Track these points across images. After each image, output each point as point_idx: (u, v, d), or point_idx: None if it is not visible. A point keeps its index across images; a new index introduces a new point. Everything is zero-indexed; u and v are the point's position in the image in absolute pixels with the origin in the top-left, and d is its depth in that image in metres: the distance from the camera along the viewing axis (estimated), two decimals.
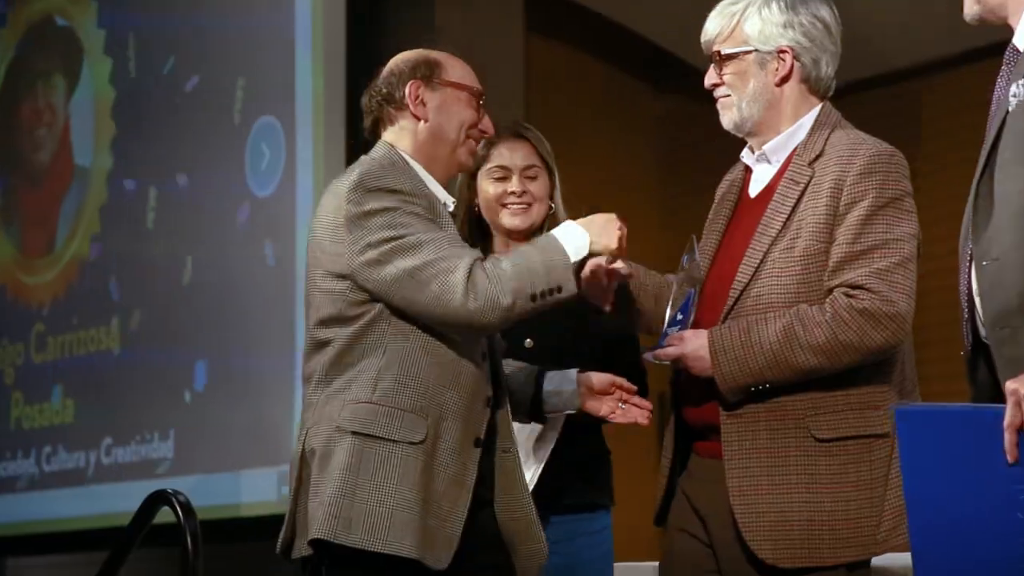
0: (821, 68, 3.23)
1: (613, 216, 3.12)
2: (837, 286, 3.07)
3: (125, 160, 8.06)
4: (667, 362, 3.18)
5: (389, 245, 3.06)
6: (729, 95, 3.22)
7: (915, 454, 2.50)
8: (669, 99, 8.15)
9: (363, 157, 3.22)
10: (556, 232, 3.11)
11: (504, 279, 3.01)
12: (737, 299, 3.14)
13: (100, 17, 8.37)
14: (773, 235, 3.14)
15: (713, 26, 3.22)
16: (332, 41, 7.12)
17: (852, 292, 3.04)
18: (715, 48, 3.21)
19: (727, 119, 3.25)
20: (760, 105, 3.21)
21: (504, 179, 3.87)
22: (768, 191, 3.21)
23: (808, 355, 3.03)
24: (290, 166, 7.13)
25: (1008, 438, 2.37)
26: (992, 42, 6.41)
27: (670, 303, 3.23)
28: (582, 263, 3.16)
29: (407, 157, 3.23)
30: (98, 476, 7.87)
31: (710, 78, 3.25)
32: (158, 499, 5.48)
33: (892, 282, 3.03)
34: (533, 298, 3.03)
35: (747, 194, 3.28)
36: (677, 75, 7.58)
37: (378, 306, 3.08)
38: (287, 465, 6.86)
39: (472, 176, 3.89)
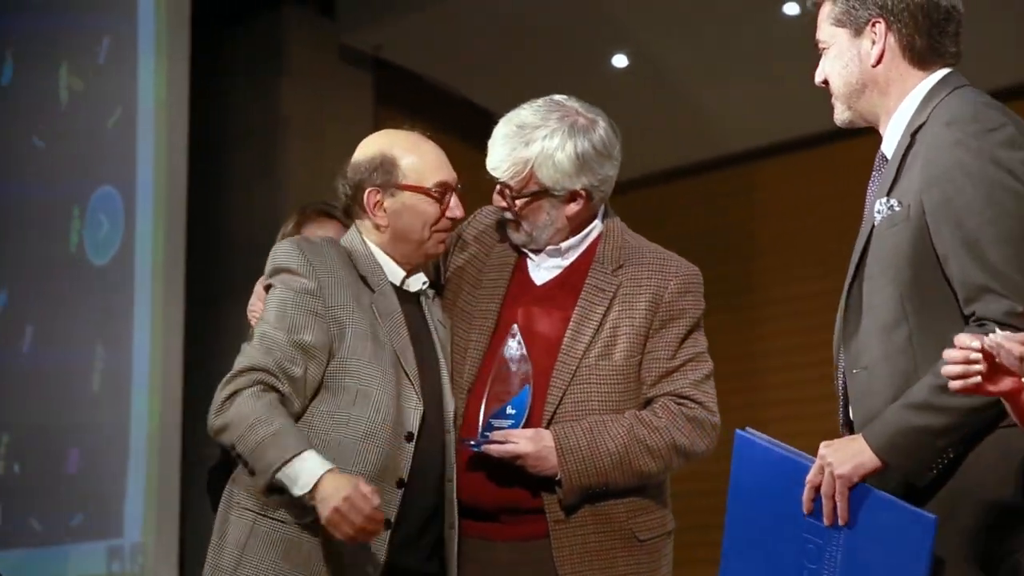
0: (607, 188, 3.34)
1: (365, 507, 2.93)
2: (663, 395, 3.26)
3: None
4: (493, 455, 3.16)
5: (260, 319, 3.19)
6: (517, 221, 3.32)
7: (742, 478, 2.78)
8: None
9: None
10: (307, 453, 2.96)
11: (233, 409, 3.02)
12: (558, 404, 3.25)
13: None
14: (586, 342, 3.25)
15: (501, 163, 3.27)
16: (176, 116, 7.04)
17: (680, 401, 3.26)
18: (501, 180, 3.28)
19: (517, 239, 3.35)
20: (550, 232, 3.33)
21: None
22: (561, 287, 3.32)
23: (647, 459, 3.20)
24: (128, 237, 7.03)
25: (806, 492, 2.67)
26: (823, 130, 6.60)
27: (490, 392, 3.23)
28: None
29: (370, 244, 3.26)
30: None
31: (496, 201, 3.34)
32: None
33: (708, 393, 3.28)
34: (232, 448, 3.04)
35: (528, 279, 3.37)
36: None
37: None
38: (117, 539, 6.82)
39: None
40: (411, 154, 3.23)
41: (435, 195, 3.22)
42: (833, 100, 2.94)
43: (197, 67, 7.26)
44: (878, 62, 2.85)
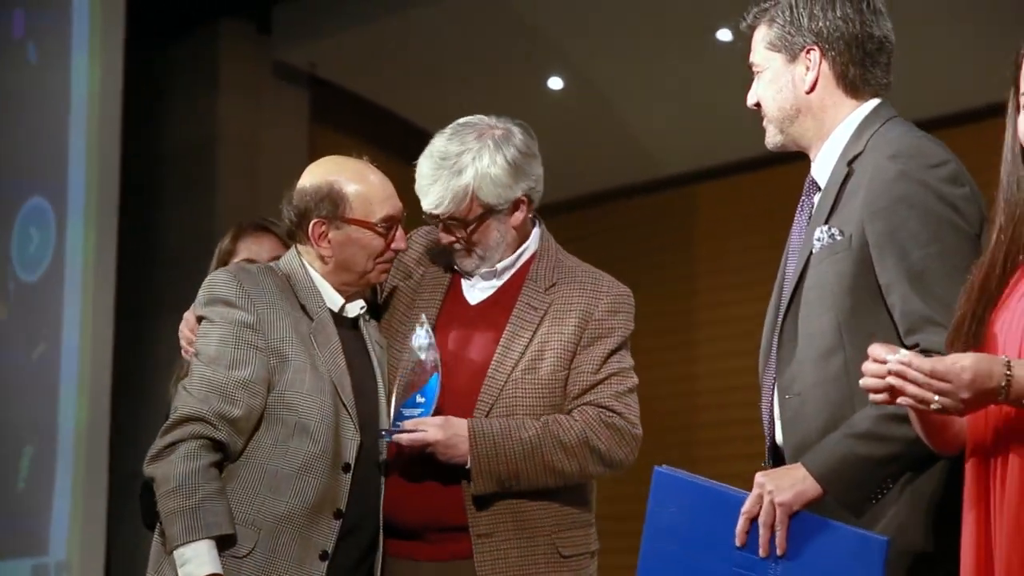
0: (541, 186, 3.38)
1: None
2: (583, 404, 3.29)
3: None
4: (402, 445, 3.18)
5: (192, 359, 3.18)
6: (466, 249, 3.35)
7: (659, 514, 2.74)
8: None
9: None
10: (202, 544, 2.99)
11: (165, 465, 3.03)
12: (486, 416, 3.28)
13: None
14: (516, 358, 3.29)
15: (441, 199, 3.28)
16: (108, 129, 6.99)
17: (599, 409, 3.28)
18: (445, 216, 3.29)
19: (468, 265, 3.37)
20: (500, 249, 3.37)
21: None
22: (494, 306, 3.36)
23: (560, 455, 3.22)
24: (59, 250, 6.96)
25: (741, 523, 2.65)
26: (758, 155, 6.64)
27: (400, 382, 3.23)
28: None
29: (309, 269, 3.25)
30: None
31: (447, 237, 3.35)
32: None
33: (629, 406, 3.30)
34: (159, 499, 3.04)
35: (462, 299, 3.40)
36: None
37: None
38: (44, 556, 6.74)
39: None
40: (358, 185, 3.23)
41: (380, 230, 3.22)
42: (765, 123, 2.97)
43: (131, 80, 7.22)
44: (812, 89, 2.90)
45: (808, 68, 2.89)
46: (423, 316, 3.28)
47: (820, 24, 2.88)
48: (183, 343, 3.41)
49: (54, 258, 7.09)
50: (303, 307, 3.20)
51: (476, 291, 3.39)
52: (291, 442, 3.09)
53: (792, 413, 2.80)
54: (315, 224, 3.19)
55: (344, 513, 3.11)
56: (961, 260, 2.65)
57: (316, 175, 3.25)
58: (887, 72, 2.92)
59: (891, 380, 2.31)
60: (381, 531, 3.20)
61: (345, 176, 3.23)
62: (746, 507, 2.64)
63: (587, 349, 3.29)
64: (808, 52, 2.89)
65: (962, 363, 2.29)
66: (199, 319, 3.18)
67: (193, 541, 2.97)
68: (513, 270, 3.38)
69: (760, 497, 2.64)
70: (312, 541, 3.07)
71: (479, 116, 3.36)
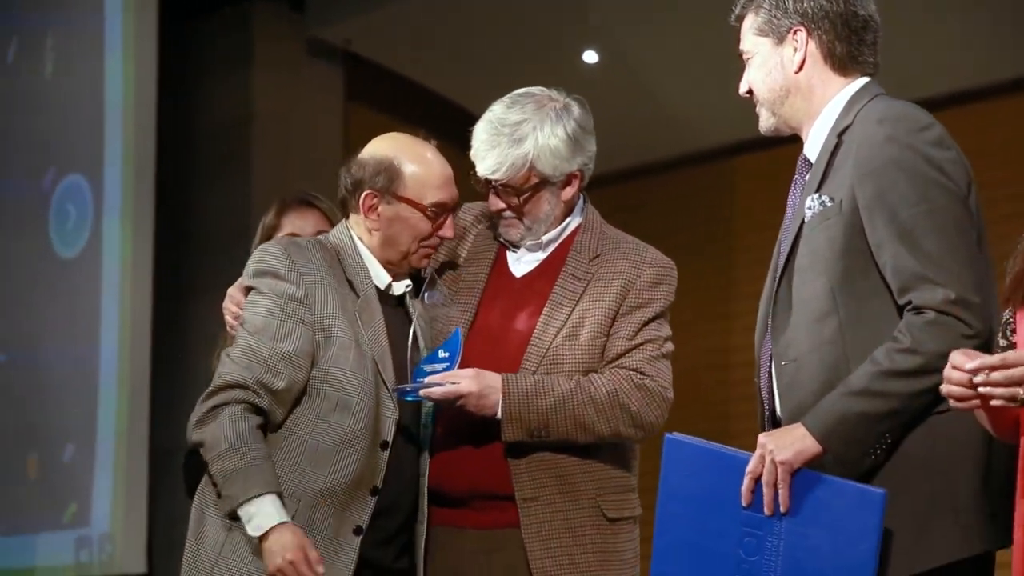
0: (592, 164, 3.43)
1: (307, 574, 3.01)
2: (617, 367, 3.33)
3: None
4: (431, 401, 3.21)
5: (239, 328, 3.18)
6: (516, 218, 3.39)
7: (672, 479, 2.82)
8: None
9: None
10: (268, 497, 3.02)
11: (211, 429, 3.05)
12: None
13: None
14: (558, 327, 3.32)
15: (499, 165, 3.31)
16: (144, 109, 7.03)
17: (631, 371, 3.32)
18: (501, 182, 3.32)
19: (513, 236, 3.41)
20: (548, 222, 3.40)
21: None
22: (539, 278, 3.39)
23: (591, 411, 3.24)
24: (96, 229, 7.01)
25: (746, 483, 2.73)
26: None
27: (414, 344, 3.28)
28: None
29: (358, 243, 3.27)
30: None
31: (495, 205, 3.39)
32: None
33: (661, 370, 3.33)
34: (207, 465, 3.08)
35: (508, 271, 3.43)
36: None
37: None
38: (86, 528, 6.81)
39: None
40: (417, 167, 3.25)
41: (430, 214, 3.24)
42: (758, 108, 3.04)
43: (166, 60, 7.25)
44: (800, 68, 2.96)
45: (795, 48, 2.95)
46: (431, 271, 3.33)
47: (804, 5, 2.95)
48: (228, 318, 3.43)
49: (91, 235, 7.13)
50: (350, 283, 3.21)
51: (521, 264, 3.42)
52: (332, 417, 3.11)
53: (788, 379, 2.85)
54: (367, 195, 3.22)
55: (380, 490, 3.14)
56: (950, 219, 2.73)
57: (379, 148, 3.27)
58: (874, 52, 2.97)
59: (981, 389, 2.39)
60: (424, 508, 3.22)
61: (406, 155, 3.25)
62: (750, 467, 2.72)
63: (625, 317, 3.32)
64: (795, 33, 2.95)
65: None
66: (248, 289, 3.21)
67: (256, 496, 3.01)
68: (557, 242, 3.41)
69: (762, 457, 2.71)
70: (347, 516, 3.10)
71: (538, 87, 3.39)
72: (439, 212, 3.25)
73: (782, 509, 2.70)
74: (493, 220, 3.46)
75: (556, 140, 3.30)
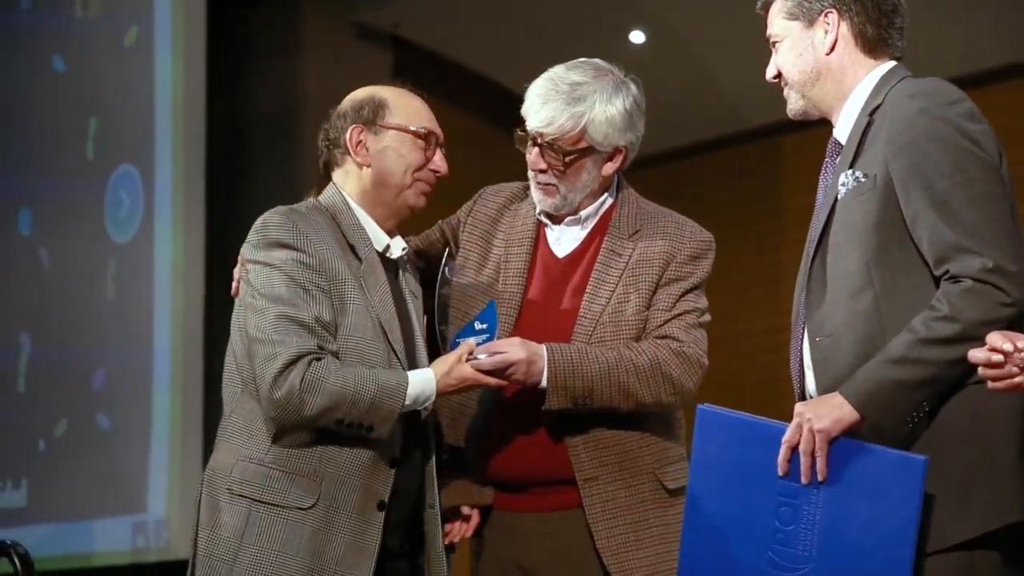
0: (632, 156, 3.44)
1: (462, 370, 3.08)
2: (655, 337, 3.34)
3: None
4: (481, 371, 3.15)
5: (252, 300, 3.06)
6: (554, 183, 3.38)
7: (705, 451, 2.83)
8: None
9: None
10: (411, 376, 3.04)
11: (320, 392, 2.96)
12: None
13: None
14: (603, 304, 3.33)
15: (553, 119, 3.30)
16: (194, 97, 7.06)
17: (668, 340, 3.33)
18: (549, 138, 3.32)
19: (548, 204, 3.42)
20: (584, 193, 3.40)
21: None
22: (581, 256, 3.40)
23: (634, 378, 3.25)
24: (148, 213, 7.04)
25: (783, 452, 2.74)
26: None
27: (441, 317, 3.29)
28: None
29: (351, 201, 3.20)
30: None
31: (536, 163, 3.37)
32: None
33: (697, 338, 3.35)
34: (339, 423, 3.00)
35: (549, 251, 3.43)
36: None
37: None
38: (142, 513, 6.87)
39: None
40: (400, 99, 3.23)
41: (421, 135, 3.19)
42: (786, 91, 3.05)
43: (214, 48, 7.27)
44: (831, 50, 2.97)
45: (826, 31, 2.97)
46: (446, 251, 3.36)
47: None
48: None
49: (143, 222, 7.18)
50: (351, 247, 3.15)
51: (562, 243, 3.42)
52: None
53: (823, 355, 2.86)
54: (353, 130, 3.18)
55: (399, 461, 3.10)
56: (986, 189, 2.74)
57: (356, 93, 3.27)
58: (901, 36, 3.00)
59: (1012, 369, 2.44)
60: (434, 492, 3.19)
61: (386, 91, 3.25)
62: (787, 436, 2.73)
63: (664, 288, 3.34)
64: (826, 15, 2.97)
65: None
66: (253, 263, 3.10)
67: (404, 394, 3.00)
68: (596, 218, 3.41)
69: (800, 426, 2.72)
70: (371, 491, 3.05)
71: (597, 59, 3.39)
72: (428, 140, 3.20)
73: (819, 478, 2.71)
74: (525, 197, 3.47)
75: (613, 110, 3.30)
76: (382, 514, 3.06)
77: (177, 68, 7.19)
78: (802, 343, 2.94)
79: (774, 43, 3.06)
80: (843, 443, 2.71)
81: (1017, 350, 2.45)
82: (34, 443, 7.47)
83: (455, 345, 3.17)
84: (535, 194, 3.39)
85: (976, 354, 2.51)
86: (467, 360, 3.10)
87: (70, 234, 7.55)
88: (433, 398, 3.05)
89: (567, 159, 3.31)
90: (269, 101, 7.94)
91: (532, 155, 3.34)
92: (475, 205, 3.52)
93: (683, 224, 3.42)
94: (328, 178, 3.26)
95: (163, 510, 6.99)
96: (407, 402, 3.02)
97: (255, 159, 7.91)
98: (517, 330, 3.29)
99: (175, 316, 7.03)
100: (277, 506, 3.00)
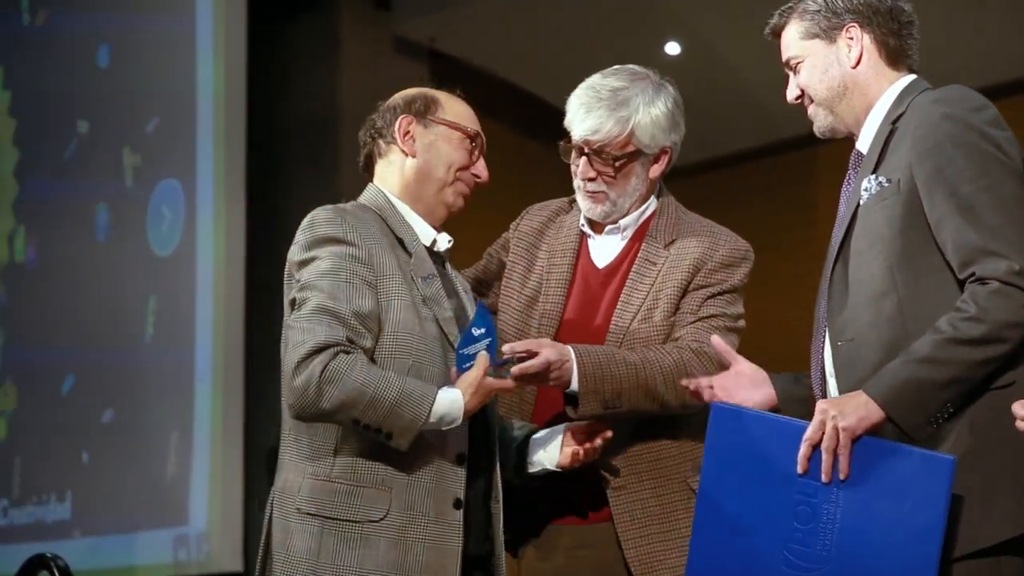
0: (675, 156, 3.46)
1: (487, 384, 2.98)
2: (681, 339, 3.33)
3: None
4: (525, 373, 3.10)
5: (299, 295, 2.99)
6: (604, 190, 3.39)
7: (719, 448, 2.80)
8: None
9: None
10: (441, 392, 2.93)
11: (340, 385, 2.87)
12: None
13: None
14: (634, 311, 3.34)
15: (601, 125, 3.32)
16: (234, 110, 7.10)
17: (694, 342, 3.29)
18: (597, 145, 3.33)
19: (598, 212, 3.42)
20: (633, 198, 3.42)
21: None
22: (619, 266, 3.41)
23: (660, 379, 3.22)
24: (190, 227, 7.09)
25: (804, 449, 2.71)
26: None
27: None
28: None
29: (392, 198, 3.16)
30: None
31: (586, 172, 3.37)
32: (37, 563, 5.37)
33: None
34: (356, 422, 2.90)
35: (590, 262, 3.45)
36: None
37: None
38: (184, 527, 6.91)
39: None
40: (451, 99, 3.23)
41: (470, 134, 3.18)
42: (812, 109, 3.06)
43: (254, 61, 7.33)
44: (857, 63, 3.00)
45: (850, 46, 2.99)
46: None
47: (855, 2, 3.00)
48: None
49: (184, 236, 7.22)
50: (400, 241, 3.11)
51: (603, 254, 3.43)
52: None
53: (845, 359, 2.85)
54: (403, 119, 3.17)
55: (466, 457, 3.03)
56: (1010, 193, 2.74)
57: (406, 91, 3.26)
58: (916, 49, 3.02)
59: None
60: (498, 486, 3.14)
61: (436, 91, 3.24)
62: (809, 433, 2.70)
63: (692, 293, 3.34)
64: (848, 29, 2.99)
65: None
66: (300, 263, 3.03)
67: (432, 404, 2.90)
68: (635, 228, 3.42)
69: (823, 423, 2.69)
70: (444, 491, 2.98)
71: (630, 65, 3.42)
72: (475, 141, 3.20)
73: (841, 476, 2.68)
74: (569, 211, 3.49)
75: (657, 111, 3.33)
76: (460, 512, 2.99)
77: (219, 81, 7.22)
78: (823, 349, 2.93)
79: (794, 65, 3.06)
80: (866, 441, 2.69)
81: None
82: (77, 456, 7.52)
83: (463, 358, 3.01)
84: (583, 203, 3.40)
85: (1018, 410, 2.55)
86: (496, 368, 3.02)
87: (113, 248, 7.61)
88: (460, 419, 2.94)
89: (616, 164, 3.32)
90: (308, 114, 7.99)
91: (580, 164, 3.36)
92: (520, 222, 3.55)
93: (719, 233, 3.42)
94: (368, 172, 3.25)
95: (204, 523, 7.01)
96: (431, 419, 2.90)
97: (293, 172, 7.95)
98: (557, 339, 3.27)
99: (216, 328, 7.06)
100: (349, 521, 2.92)
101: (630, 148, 3.32)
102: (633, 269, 3.36)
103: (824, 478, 2.69)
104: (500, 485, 3.14)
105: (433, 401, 2.90)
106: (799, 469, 2.71)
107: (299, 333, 2.92)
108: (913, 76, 3.01)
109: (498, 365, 3.05)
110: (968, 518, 2.67)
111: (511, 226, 3.56)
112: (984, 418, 2.71)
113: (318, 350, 2.87)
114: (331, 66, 7.98)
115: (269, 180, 7.81)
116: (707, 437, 2.83)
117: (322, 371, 2.86)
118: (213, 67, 7.26)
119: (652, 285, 3.33)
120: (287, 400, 2.94)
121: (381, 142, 3.20)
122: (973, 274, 2.72)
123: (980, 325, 2.66)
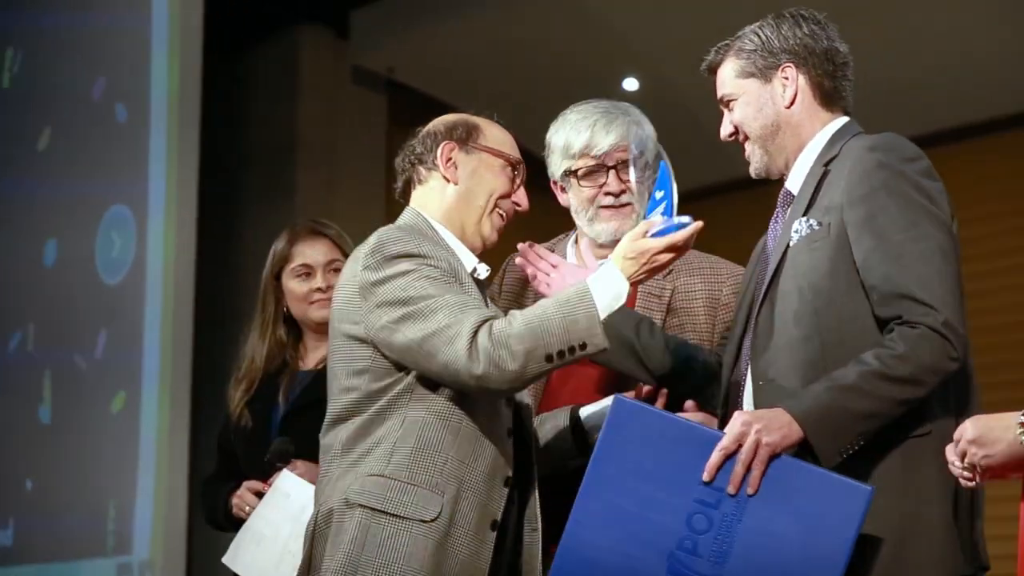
0: None
1: (645, 244, 2.92)
2: None
3: None
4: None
5: (399, 312, 2.91)
6: (631, 202, 3.43)
7: (614, 443, 2.75)
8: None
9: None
10: (591, 280, 2.89)
11: (512, 342, 2.81)
12: None
13: None
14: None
15: (623, 135, 3.41)
16: (187, 131, 7.06)
17: None
18: (629, 155, 3.34)
19: (627, 227, 3.37)
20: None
21: (309, 276, 3.99)
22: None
23: None
24: (140, 254, 7.04)
25: (715, 458, 2.71)
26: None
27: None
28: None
29: (433, 222, 3.11)
30: None
31: (614, 186, 3.41)
32: None
33: None
34: (549, 358, 2.84)
35: None
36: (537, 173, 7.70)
37: (399, 376, 2.94)
38: (127, 556, 6.82)
39: (276, 278, 4.03)
40: (492, 127, 3.19)
41: (512, 162, 3.16)
42: (748, 148, 3.09)
43: (209, 86, 7.29)
44: (791, 103, 3.03)
45: (785, 85, 3.02)
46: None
47: (791, 42, 3.03)
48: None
49: (135, 262, 7.17)
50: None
51: None
52: (466, 401, 2.95)
53: (767, 399, 2.85)
54: (446, 145, 3.12)
55: (511, 482, 3.01)
56: (938, 246, 2.78)
57: (446, 116, 3.21)
58: (850, 90, 3.06)
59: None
60: (537, 513, 3.08)
61: (478, 118, 3.20)
62: (725, 443, 2.70)
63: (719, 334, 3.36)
64: (783, 69, 3.02)
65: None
66: (377, 283, 2.94)
67: (589, 291, 2.85)
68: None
69: (743, 435, 2.70)
70: (487, 509, 2.95)
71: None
72: (517, 169, 3.17)
73: (750, 490, 2.68)
74: (553, 251, 3.47)
75: (650, 131, 3.40)
76: (494, 534, 2.95)
77: (172, 107, 7.15)
78: (741, 390, 2.95)
79: (728, 102, 3.09)
80: (784, 460, 2.69)
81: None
82: (21, 482, 7.45)
83: (665, 229, 2.96)
84: (602, 226, 3.42)
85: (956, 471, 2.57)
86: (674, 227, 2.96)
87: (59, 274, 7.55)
88: (627, 289, 2.89)
89: (645, 172, 3.26)
90: (264, 142, 7.96)
91: (607, 179, 3.37)
92: (504, 275, 3.55)
93: (715, 263, 3.49)
94: (405, 199, 3.20)
95: (147, 551, 6.95)
96: (599, 303, 2.84)
97: (248, 200, 7.91)
98: (556, 376, 3.28)
99: (163, 357, 7.00)
100: (400, 517, 2.87)
101: (647, 157, 3.29)
102: (637, 304, 3.37)
103: (731, 490, 2.68)
104: (539, 514, 3.08)
105: (588, 290, 2.86)
106: (706, 477, 2.70)
107: (444, 332, 2.85)
108: (846, 118, 3.04)
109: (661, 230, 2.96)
110: (875, 561, 2.69)
111: (495, 280, 3.53)
112: (902, 465, 2.74)
113: (473, 333, 2.84)
114: (288, 94, 7.97)
115: (222, 208, 7.77)
116: (603, 428, 2.79)
117: (491, 343, 2.82)
118: (167, 93, 7.21)
119: (664, 321, 3.34)
120: (478, 389, 2.87)
121: (421, 168, 3.15)
122: (900, 317, 2.73)
123: (906, 365, 2.69)
